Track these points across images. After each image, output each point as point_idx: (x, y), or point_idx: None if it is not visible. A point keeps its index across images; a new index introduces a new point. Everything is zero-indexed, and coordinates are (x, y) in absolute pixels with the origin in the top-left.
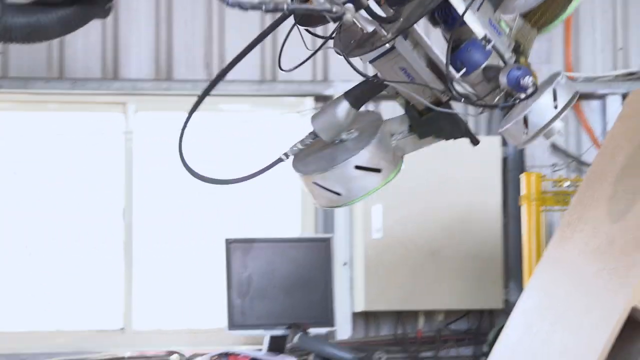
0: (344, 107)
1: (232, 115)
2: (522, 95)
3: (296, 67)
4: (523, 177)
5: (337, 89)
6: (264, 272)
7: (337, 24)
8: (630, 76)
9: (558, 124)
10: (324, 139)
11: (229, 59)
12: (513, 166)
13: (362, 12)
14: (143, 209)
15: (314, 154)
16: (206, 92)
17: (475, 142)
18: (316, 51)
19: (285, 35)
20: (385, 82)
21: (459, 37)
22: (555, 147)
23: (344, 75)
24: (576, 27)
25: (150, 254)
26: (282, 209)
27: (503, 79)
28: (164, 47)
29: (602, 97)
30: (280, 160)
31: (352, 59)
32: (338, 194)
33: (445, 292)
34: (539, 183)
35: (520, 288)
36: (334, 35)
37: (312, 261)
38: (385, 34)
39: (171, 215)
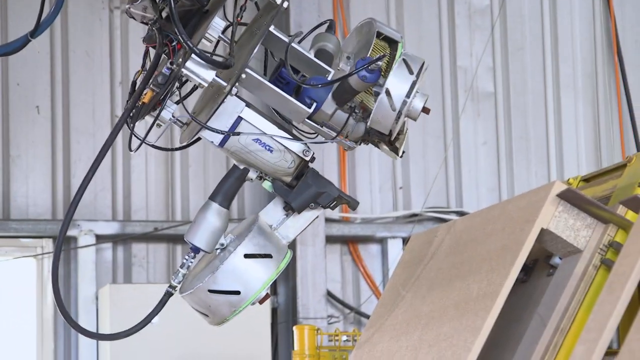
0: (213, 210)
1: None
2: (381, 82)
3: (138, 147)
4: (295, 330)
5: (82, 228)
6: None
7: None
8: (412, 218)
9: (418, 103)
10: (205, 249)
11: None
12: (284, 318)
13: (196, 68)
14: None
15: (198, 273)
16: (64, 230)
17: (354, 204)
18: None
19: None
20: (245, 166)
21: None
22: (331, 296)
23: (89, 214)
24: (352, 163)
25: None
26: (16, 342)
27: (352, 79)
28: None
29: (381, 240)
30: (169, 294)
31: None
32: (237, 292)
33: None
34: (313, 337)
35: None
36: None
37: None
38: (225, 84)
39: None
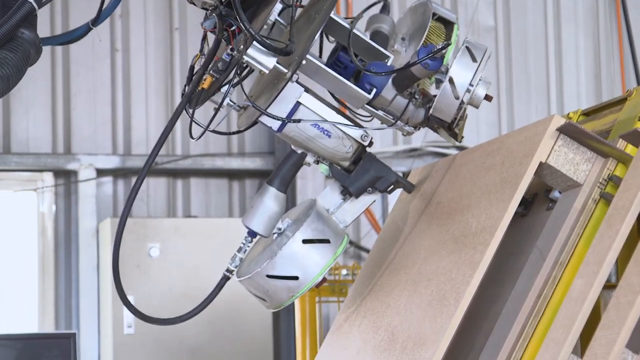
0: (271, 194)
1: None
2: (443, 70)
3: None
4: None
5: (82, 162)
6: None
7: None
8: (412, 152)
9: (481, 91)
10: (263, 234)
11: None
12: None
13: (257, 55)
14: None
15: (255, 258)
16: (141, 177)
17: (410, 188)
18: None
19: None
20: (302, 151)
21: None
22: None
23: (89, 148)
24: None
25: None
26: (17, 303)
27: (415, 69)
28: None
29: None
30: (226, 278)
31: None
32: (295, 277)
33: None
34: None
35: None
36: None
37: None
38: (285, 70)
39: None
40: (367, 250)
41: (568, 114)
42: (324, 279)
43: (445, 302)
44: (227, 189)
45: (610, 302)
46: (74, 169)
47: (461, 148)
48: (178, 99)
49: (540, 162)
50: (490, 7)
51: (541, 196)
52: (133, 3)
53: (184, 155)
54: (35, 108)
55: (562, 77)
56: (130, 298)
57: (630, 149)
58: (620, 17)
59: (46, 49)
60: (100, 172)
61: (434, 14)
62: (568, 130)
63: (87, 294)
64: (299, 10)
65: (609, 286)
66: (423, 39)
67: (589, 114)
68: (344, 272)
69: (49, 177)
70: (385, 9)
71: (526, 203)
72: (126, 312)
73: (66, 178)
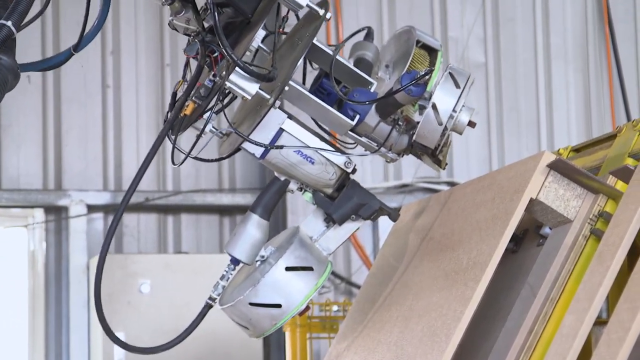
0: (254, 222)
1: None
2: (426, 96)
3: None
4: None
5: (72, 198)
6: None
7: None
8: (403, 188)
9: (464, 117)
10: (246, 262)
11: None
12: None
13: (239, 81)
14: None
15: (237, 286)
16: (122, 208)
17: (395, 216)
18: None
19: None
20: (285, 178)
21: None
22: None
23: (80, 184)
24: None
25: None
26: (7, 339)
27: (399, 95)
28: None
29: None
30: (209, 306)
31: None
32: (278, 305)
33: None
34: None
35: None
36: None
37: None
38: (267, 96)
39: None
40: (358, 286)
41: (558, 150)
42: (307, 307)
43: (437, 338)
44: (217, 224)
45: (601, 339)
46: (64, 205)
47: (452, 184)
48: None
49: (531, 198)
50: (481, 43)
51: (532, 232)
52: (124, 40)
53: (175, 191)
54: (26, 144)
55: (552, 113)
56: (121, 334)
57: (620, 185)
58: (610, 53)
59: (37, 85)
60: (91, 208)
61: (418, 41)
62: (558, 167)
63: (78, 330)
64: (283, 36)
65: (600, 322)
66: (407, 66)
67: (579, 150)
68: (335, 308)
69: (39, 214)
70: (369, 36)
71: (517, 239)
72: (116, 349)
73: (57, 214)
